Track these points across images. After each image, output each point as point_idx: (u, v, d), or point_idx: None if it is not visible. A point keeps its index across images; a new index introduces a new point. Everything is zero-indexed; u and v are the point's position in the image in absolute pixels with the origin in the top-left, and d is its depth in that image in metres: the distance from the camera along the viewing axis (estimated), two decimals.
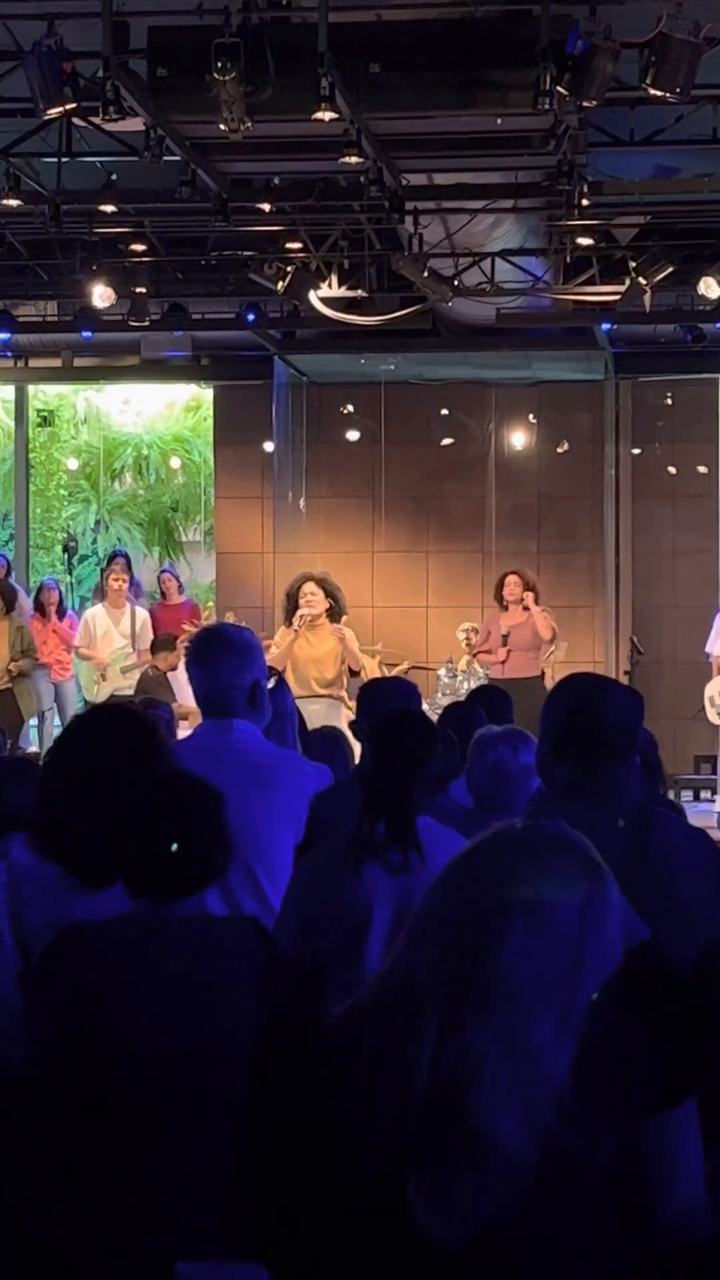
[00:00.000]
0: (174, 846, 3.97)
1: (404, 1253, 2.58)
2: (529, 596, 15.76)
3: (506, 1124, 2.57)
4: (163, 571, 20.12)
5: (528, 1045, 2.60)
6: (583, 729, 4.20)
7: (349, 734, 8.20)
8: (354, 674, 13.28)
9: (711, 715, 16.45)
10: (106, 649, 17.28)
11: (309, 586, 13.12)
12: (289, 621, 13.07)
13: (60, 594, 18.75)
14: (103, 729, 4.59)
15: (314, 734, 8.09)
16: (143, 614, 17.78)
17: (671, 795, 14.41)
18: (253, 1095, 3.85)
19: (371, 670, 16.51)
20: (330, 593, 13.11)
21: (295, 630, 12.87)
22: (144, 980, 3.85)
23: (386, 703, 6.17)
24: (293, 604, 13.12)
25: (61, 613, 18.43)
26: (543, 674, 15.52)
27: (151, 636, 17.50)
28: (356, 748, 7.59)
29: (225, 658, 5.54)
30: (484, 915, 2.63)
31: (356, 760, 8.75)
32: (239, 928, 4.07)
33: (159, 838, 3.98)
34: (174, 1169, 3.80)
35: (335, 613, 13.10)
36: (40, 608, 18.23)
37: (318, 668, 12.94)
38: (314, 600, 12.99)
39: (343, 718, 12.78)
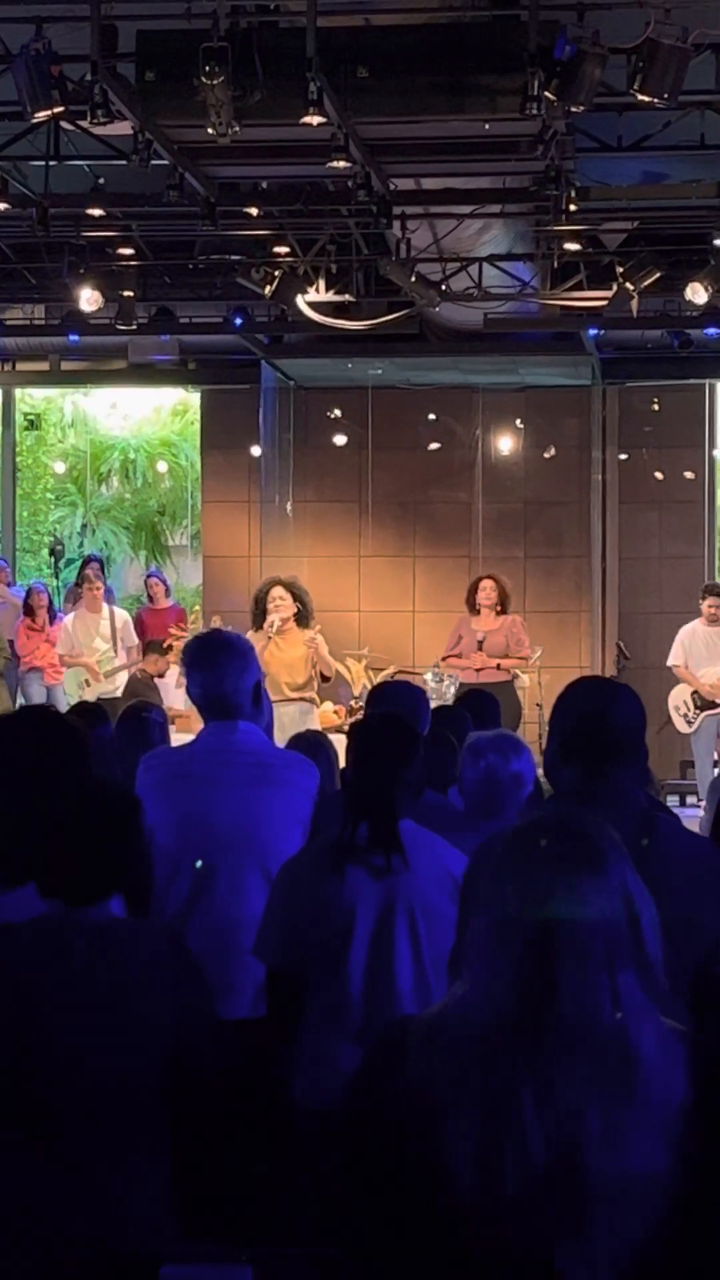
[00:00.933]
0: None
1: None
2: (506, 621, 15.63)
3: (637, 1159, 2.57)
4: (149, 575, 20.11)
5: (635, 1067, 2.61)
6: (590, 732, 4.21)
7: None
8: (325, 679, 13.26)
9: (679, 724, 16.50)
10: (91, 654, 17.27)
11: (277, 591, 13.09)
12: (257, 625, 13.05)
13: (50, 597, 18.74)
14: (24, 732, 4.60)
15: (297, 738, 8.10)
16: (122, 614, 17.74)
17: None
18: (173, 1101, 3.86)
19: (358, 675, 16.52)
20: (298, 596, 13.08)
21: (268, 636, 12.85)
22: (54, 983, 3.87)
23: (393, 707, 6.20)
24: (260, 609, 13.11)
25: (52, 615, 18.41)
26: (513, 678, 15.50)
27: (134, 636, 17.49)
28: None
29: (230, 662, 5.58)
30: (536, 954, 2.64)
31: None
32: (151, 934, 4.09)
33: (73, 842, 3.99)
34: (88, 1170, 3.81)
35: (303, 616, 13.08)
36: (30, 611, 18.23)
37: (289, 672, 12.92)
38: (282, 605, 12.97)
39: (314, 721, 12.77)
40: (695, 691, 16.34)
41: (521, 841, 2.73)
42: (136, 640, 17.50)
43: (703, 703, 16.30)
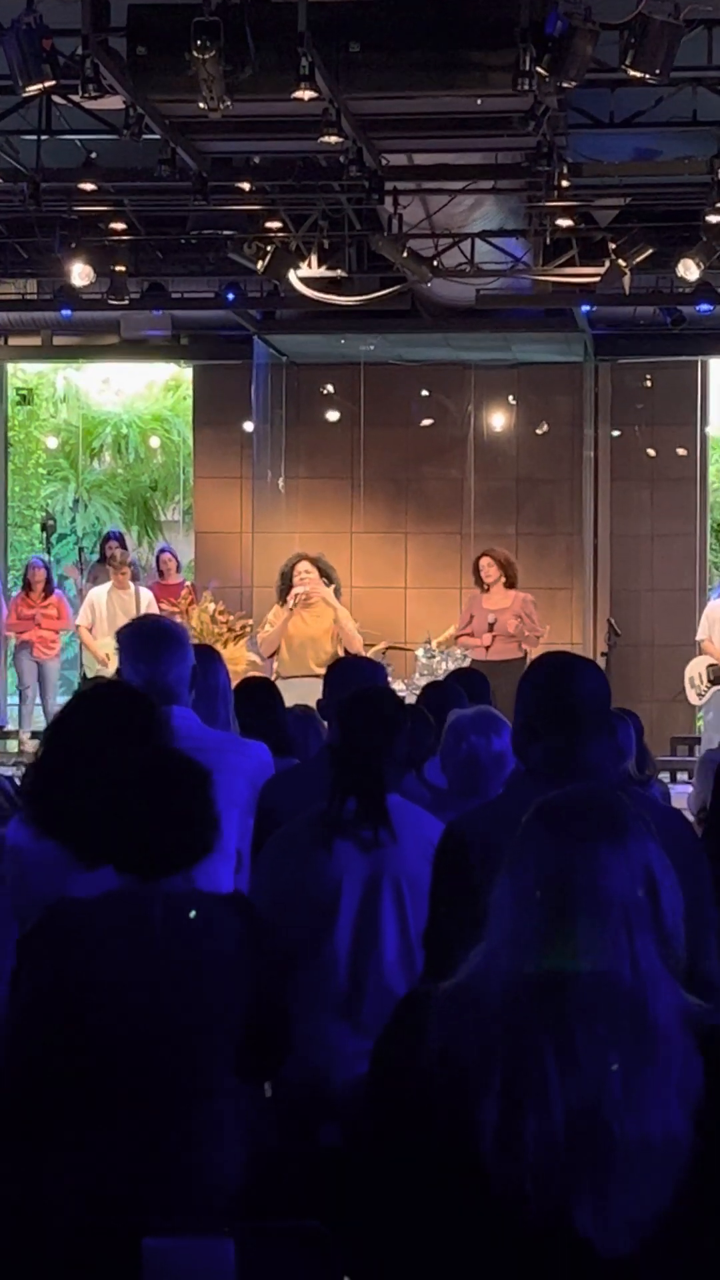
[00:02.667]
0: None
1: (568, 1266, 2.63)
2: (517, 599, 15.65)
3: (656, 1123, 2.61)
4: (161, 550, 20.21)
5: (653, 1032, 2.64)
6: (554, 709, 4.20)
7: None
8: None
9: (692, 696, 16.56)
10: (112, 631, 17.30)
11: (303, 565, 13.13)
12: (283, 600, 13.06)
13: (49, 572, 18.81)
14: (99, 707, 4.60)
15: (288, 711, 8.10)
16: (146, 594, 17.83)
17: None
18: (246, 1068, 3.87)
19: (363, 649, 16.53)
20: (324, 571, 13.13)
21: (290, 609, 12.86)
22: (130, 956, 3.87)
23: (352, 682, 6.18)
24: (287, 584, 13.12)
25: (49, 590, 18.49)
26: (525, 655, 15.52)
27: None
28: None
29: (172, 650, 5.57)
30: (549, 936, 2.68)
31: None
32: (225, 904, 4.09)
33: (145, 815, 3.99)
34: (160, 1142, 3.81)
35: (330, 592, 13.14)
36: (27, 586, 18.36)
37: (314, 646, 12.92)
38: (308, 579, 12.99)
39: None
40: (711, 664, 16.38)
41: (546, 813, 2.79)
42: None
43: (717, 677, 16.35)
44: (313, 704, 8.96)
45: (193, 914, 3.97)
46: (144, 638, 5.67)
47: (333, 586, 13.20)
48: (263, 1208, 4.20)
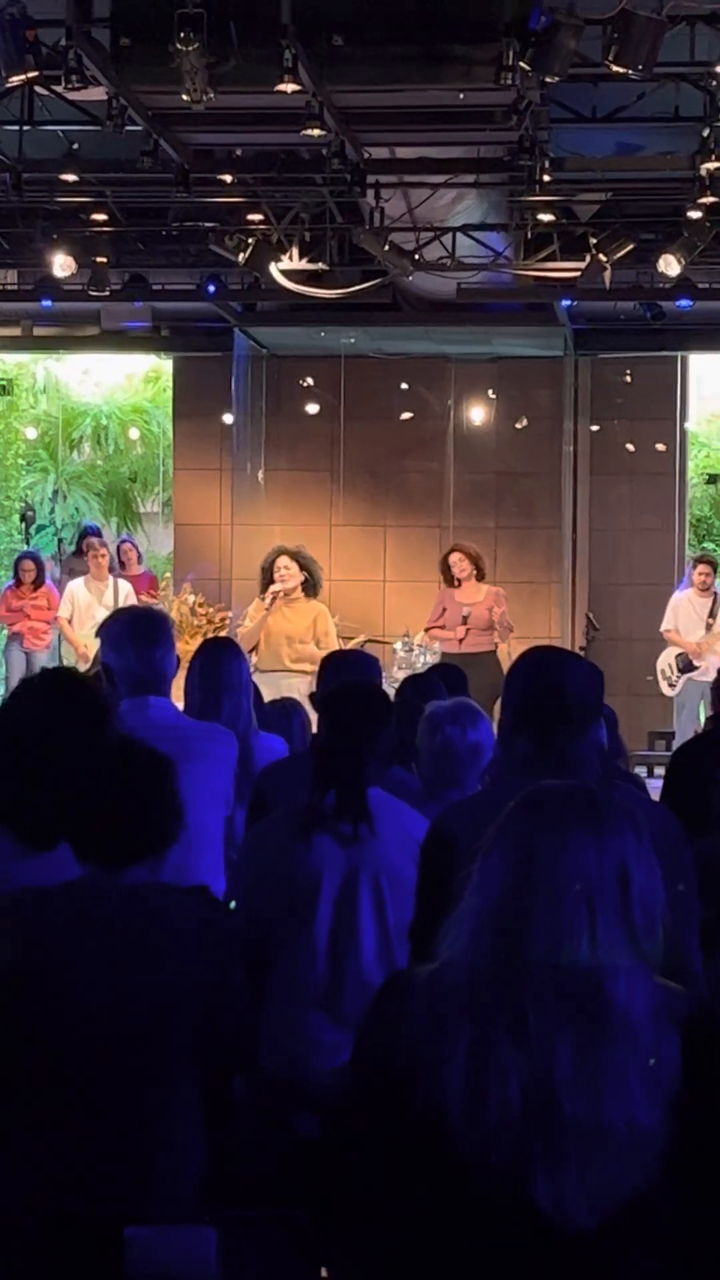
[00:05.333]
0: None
1: (530, 1241, 2.67)
2: (489, 592, 15.65)
3: (616, 1109, 2.62)
4: (122, 541, 20.10)
5: (612, 1014, 2.65)
6: (543, 702, 4.21)
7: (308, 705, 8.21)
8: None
9: (664, 688, 16.67)
10: (90, 623, 17.26)
11: (283, 561, 13.06)
12: (263, 595, 13.03)
13: (39, 564, 18.76)
14: (48, 693, 4.59)
15: (270, 705, 8.12)
16: (125, 586, 17.79)
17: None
18: (203, 1062, 3.87)
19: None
20: (305, 566, 13.06)
21: (267, 607, 12.81)
22: (89, 947, 3.86)
23: (345, 675, 6.20)
24: (267, 578, 13.07)
25: (39, 582, 18.45)
26: (495, 647, 15.53)
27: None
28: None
29: (158, 640, 5.60)
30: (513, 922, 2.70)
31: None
32: (186, 897, 4.09)
33: (109, 804, 3.99)
34: (119, 1133, 3.82)
35: (311, 586, 13.07)
36: (17, 580, 18.34)
37: (291, 642, 12.87)
38: (288, 575, 12.93)
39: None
40: (679, 654, 16.49)
41: (527, 802, 2.80)
42: None
43: (685, 665, 16.45)
44: (286, 698, 8.99)
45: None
46: (125, 626, 5.71)
47: (310, 579, 13.11)
48: (239, 1197, 4.21)
